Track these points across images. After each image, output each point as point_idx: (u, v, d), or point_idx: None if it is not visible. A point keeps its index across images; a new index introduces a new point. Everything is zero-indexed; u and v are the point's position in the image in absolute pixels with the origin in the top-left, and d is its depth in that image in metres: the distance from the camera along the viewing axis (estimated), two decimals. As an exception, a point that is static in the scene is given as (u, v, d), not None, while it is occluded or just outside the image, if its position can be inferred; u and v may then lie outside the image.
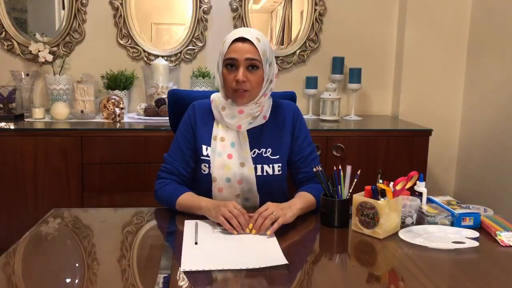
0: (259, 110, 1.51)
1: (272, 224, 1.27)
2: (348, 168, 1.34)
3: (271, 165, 1.51)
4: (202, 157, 1.51)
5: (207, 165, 1.50)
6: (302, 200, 1.42)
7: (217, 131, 1.52)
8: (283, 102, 1.61)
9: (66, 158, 2.30)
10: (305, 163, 1.56)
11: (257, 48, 1.44)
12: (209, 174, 1.49)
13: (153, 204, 1.53)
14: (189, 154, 1.54)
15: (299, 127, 1.57)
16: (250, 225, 1.27)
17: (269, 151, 1.52)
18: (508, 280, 1.05)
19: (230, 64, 1.45)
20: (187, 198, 1.43)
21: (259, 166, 1.50)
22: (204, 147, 1.52)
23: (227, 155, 1.49)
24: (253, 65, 1.44)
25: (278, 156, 1.52)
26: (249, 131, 1.52)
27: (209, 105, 1.56)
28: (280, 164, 1.52)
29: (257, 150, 1.52)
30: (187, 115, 1.57)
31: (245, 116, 1.50)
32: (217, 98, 1.55)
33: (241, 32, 1.46)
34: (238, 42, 1.44)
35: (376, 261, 1.17)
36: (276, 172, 1.51)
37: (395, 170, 2.45)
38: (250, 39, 1.43)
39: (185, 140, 1.54)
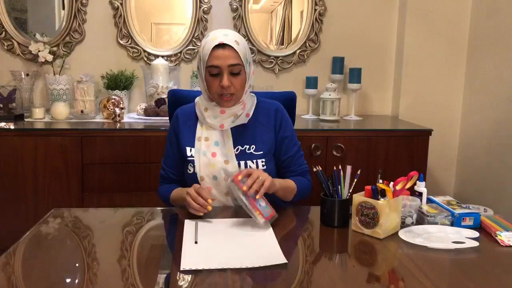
0: (241, 108, 1.53)
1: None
2: (348, 168, 1.34)
3: (254, 161, 1.52)
4: (188, 158, 1.55)
5: (192, 165, 1.54)
6: (280, 180, 1.50)
7: (201, 132, 1.55)
8: (266, 101, 1.63)
9: (66, 158, 2.30)
10: (292, 161, 1.60)
11: (237, 52, 1.45)
12: (195, 173, 1.52)
13: (153, 204, 1.54)
14: (177, 160, 1.60)
15: (285, 127, 1.59)
16: (210, 200, 1.35)
17: (252, 147, 1.54)
18: (508, 280, 1.05)
19: (213, 71, 1.47)
20: (174, 194, 1.57)
21: (242, 162, 1.51)
22: (188, 148, 1.55)
23: (211, 153, 1.52)
24: (236, 70, 1.46)
25: (261, 152, 1.54)
26: (232, 129, 1.55)
27: (193, 108, 1.60)
28: (263, 160, 1.53)
29: (240, 147, 1.54)
30: (171, 122, 1.64)
31: (227, 115, 1.53)
32: (200, 101, 1.58)
33: (219, 37, 1.45)
34: (218, 49, 1.45)
35: (376, 261, 1.17)
36: (260, 167, 1.52)
37: (395, 170, 2.45)
38: (229, 43, 1.45)
39: (171, 147, 1.61)
